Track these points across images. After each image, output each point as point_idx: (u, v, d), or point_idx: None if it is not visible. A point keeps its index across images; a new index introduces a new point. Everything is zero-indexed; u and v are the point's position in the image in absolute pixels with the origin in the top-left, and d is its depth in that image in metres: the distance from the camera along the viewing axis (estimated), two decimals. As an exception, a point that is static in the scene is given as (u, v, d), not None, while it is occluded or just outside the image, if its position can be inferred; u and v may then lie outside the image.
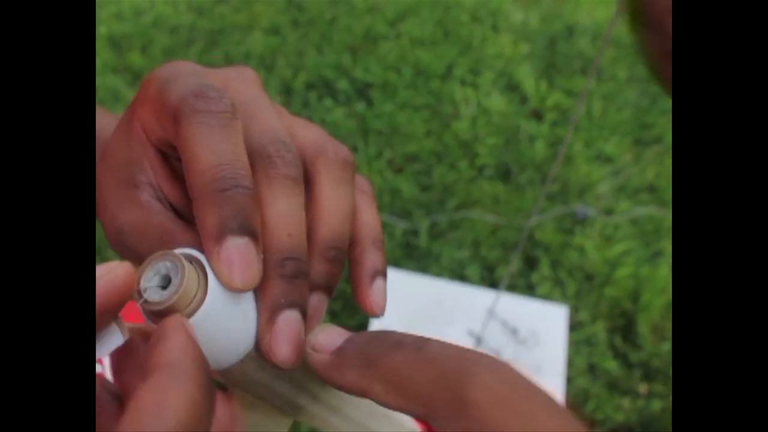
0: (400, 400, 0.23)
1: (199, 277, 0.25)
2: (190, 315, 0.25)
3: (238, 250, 0.24)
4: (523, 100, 1.99)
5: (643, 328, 1.55)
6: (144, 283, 0.25)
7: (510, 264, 1.50)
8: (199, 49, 2.08)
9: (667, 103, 2.02)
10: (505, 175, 1.81)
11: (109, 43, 2.09)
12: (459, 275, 1.60)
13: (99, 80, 1.95)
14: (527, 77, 2.03)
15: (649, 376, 1.50)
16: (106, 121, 0.37)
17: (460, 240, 1.66)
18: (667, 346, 1.53)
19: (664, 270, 1.63)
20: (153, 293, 0.25)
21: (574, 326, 1.55)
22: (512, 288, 1.58)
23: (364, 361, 0.24)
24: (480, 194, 1.75)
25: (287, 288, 0.25)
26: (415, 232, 1.67)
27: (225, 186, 0.25)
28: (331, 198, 0.28)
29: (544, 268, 1.62)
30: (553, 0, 2.34)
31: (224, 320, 0.25)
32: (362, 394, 0.24)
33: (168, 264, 0.25)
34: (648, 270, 1.63)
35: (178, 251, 0.26)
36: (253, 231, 0.25)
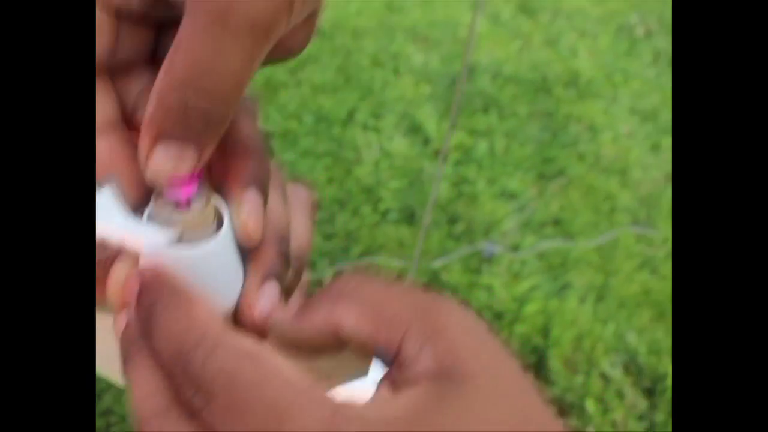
0: (375, 326, 0.23)
1: (215, 213, 0.26)
2: (201, 241, 0.25)
3: (257, 205, 0.26)
4: (426, 141, 2.00)
5: (554, 362, 1.54)
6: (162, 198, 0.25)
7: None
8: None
9: (567, 137, 2.06)
10: (409, 217, 1.79)
11: None
12: (367, 323, 1.56)
13: None
14: (429, 118, 2.03)
15: (563, 411, 1.49)
16: None
17: (366, 287, 1.63)
18: (580, 379, 1.52)
19: (573, 302, 1.63)
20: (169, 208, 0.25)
21: (485, 367, 1.53)
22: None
23: (334, 295, 0.25)
24: (385, 239, 1.73)
25: (280, 262, 0.28)
26: (320, 282, 1.62)
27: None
28: (301, 224, 0.31)
29: (453, 310, 1.60)
30: (452, 41, 2.38)
31: (222, 264, 0.26)
32: (334, 329, 0.24)
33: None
34: (556, 304, 1.63)
35: None
36: (266, 198, 0.27)
